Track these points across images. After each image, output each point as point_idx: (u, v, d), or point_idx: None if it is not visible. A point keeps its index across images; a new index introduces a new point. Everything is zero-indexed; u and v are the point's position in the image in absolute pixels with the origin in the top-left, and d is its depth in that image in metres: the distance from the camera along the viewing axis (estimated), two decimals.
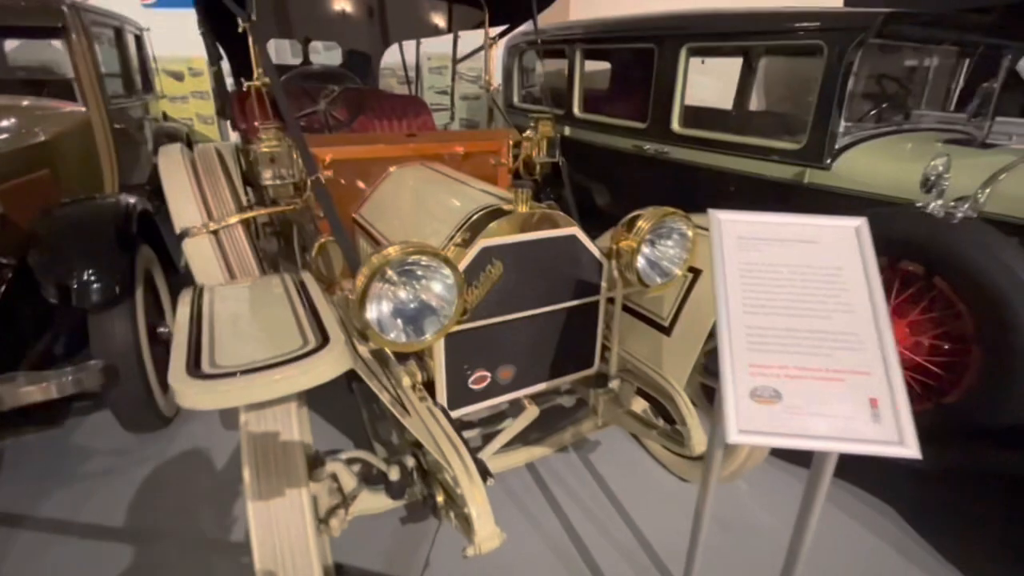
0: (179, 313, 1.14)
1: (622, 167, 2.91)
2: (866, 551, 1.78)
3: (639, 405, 1.87)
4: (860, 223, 1.06)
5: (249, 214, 2.03)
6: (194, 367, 0.88)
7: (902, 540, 1.81)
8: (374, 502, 1.43)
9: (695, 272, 1.69)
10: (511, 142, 2.46)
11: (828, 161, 2.07)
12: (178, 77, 5.59)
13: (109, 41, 3.52)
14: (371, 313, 1.20)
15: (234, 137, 5.90)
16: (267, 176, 1.88)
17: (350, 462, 1.41)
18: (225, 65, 3.11)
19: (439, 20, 2.97)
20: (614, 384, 1.80)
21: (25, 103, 2.76)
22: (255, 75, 2.13)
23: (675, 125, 2.64)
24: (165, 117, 4.94)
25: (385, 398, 1.21)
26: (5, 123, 2.43)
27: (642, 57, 3.69)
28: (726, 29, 2.42)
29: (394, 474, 1.50)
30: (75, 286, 1.82)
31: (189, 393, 0.84)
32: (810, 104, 2.13)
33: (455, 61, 3.38)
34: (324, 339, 0.99)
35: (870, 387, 0.93)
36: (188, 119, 5.72)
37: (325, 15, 3.23)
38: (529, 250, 1.51)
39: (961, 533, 1.82)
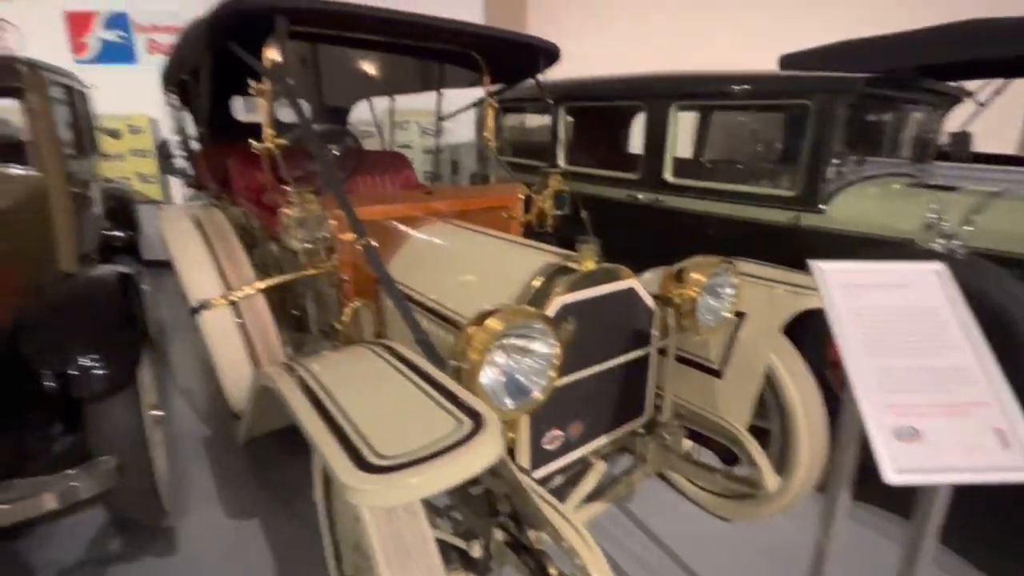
0: (293, 401, 1.04)
1: (615, 215, 3.03)
2: None
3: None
4: (940, 268, 1.18)
5: (271, 281, 1.91)
6: (361, 461, 0.81)
7: None
8: None
9: (739, 315, 1.78)
10: (521, 196, 2.51)
11: (821, 205, 2.28)
12: (115, 135, 5.24)
13: (61, 100, 3.26)
14: (485, 379, 1.16)
15: (180, 195, 5.57)
16: (297, 239, 1.79)
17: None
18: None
19: (430, 78, 3.01)
20: (667, 430, 1.82)
21: None
22: (265, 136, 2.07)
23: (667, 175, 2.81)
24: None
25: None
26: None
27: (622, 113, 3.94)
28: (718, 90, 2.65)
29: (475, 551, 1.41)
30: (77, 374, 1.61)
31: (369, 491, 0.76)
32: (797, 154, 2.36)
33: (440, 118, 3.43)
34: (475, 418, 0.94)
35: (993, 417, 1.01)
36: (126, 178, 5.35)
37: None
38: (597, 305, 1.54)
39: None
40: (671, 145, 2.78)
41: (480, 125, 4.46)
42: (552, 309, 1.43)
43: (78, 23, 5.21)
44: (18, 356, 1.63)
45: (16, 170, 2.67)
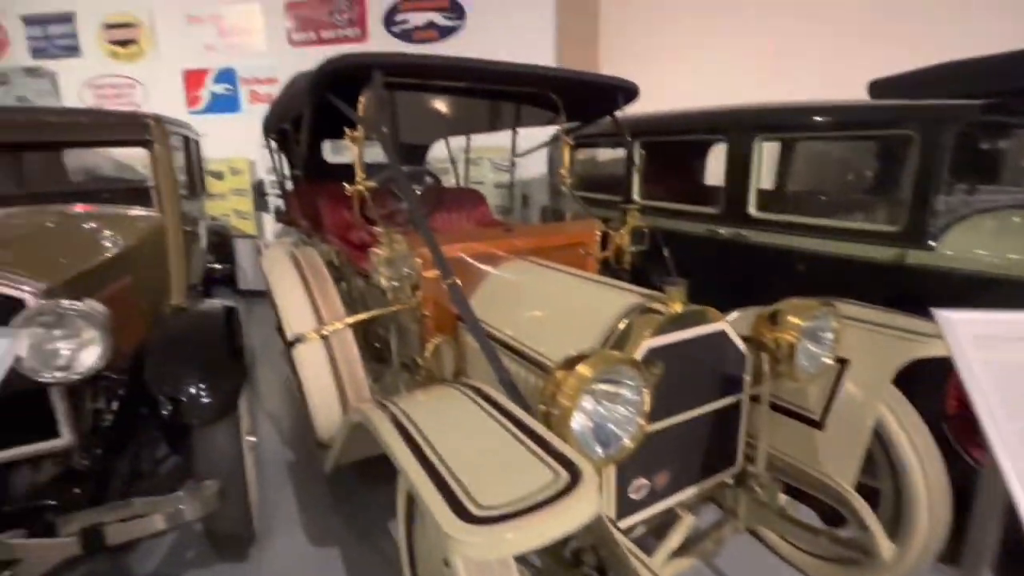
0: (391, 443, 1.07)
1: (693, 251, 2.93)
2: None
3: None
4: None
5: (360, 316, 2.00)
6: (462, 510, 0.81)
7: None
8: None
9: (841, 362, 1.65)
10: (598, 233, 2.50)
11: (930, 242, 2.10)
12: (218, 176, 5.77)
13: (178, 148, 3.65)
14: (575, 426, 1.14)
15: (270, 230, 6.00)
16: (385, 277, 1.86)
17: None
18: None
19: (505, 117, 3.10)
20: (760, 483, 1.70)
21: (111, 211, 2.80)
22: (358, 179, 2.19)
23: (751, 209, 2.70)
24: None
25: None
26: (105, 231, 2.45)
27: (697, 146, 3.88)
28: (808, 122, 2.54)
29: None
30: (190, 401, 1.74)
31: (471, 543, 0.76)
32: (898, 186, 2.20)
33: (514, 155, 3.52)
34: (571, 469, 0.92)
35: None
36: (225, 215, 5.85)
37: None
38: (686, 348, 1.48)
39: None
40: (755, 178, 2.68)
41: (551, 161, 4.53)
42: (639, 353, 1.39)
43: (193, 79, 5.86)
44: (139, 382, 1.79)
45: (141, 211, 3.00)
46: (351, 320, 1.98)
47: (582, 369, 1.15)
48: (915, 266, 2.14)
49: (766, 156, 2.77)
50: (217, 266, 4.79)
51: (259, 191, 5.97)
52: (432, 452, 1.01)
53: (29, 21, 5.88)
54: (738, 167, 2.74)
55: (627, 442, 1.21)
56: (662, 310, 1.48)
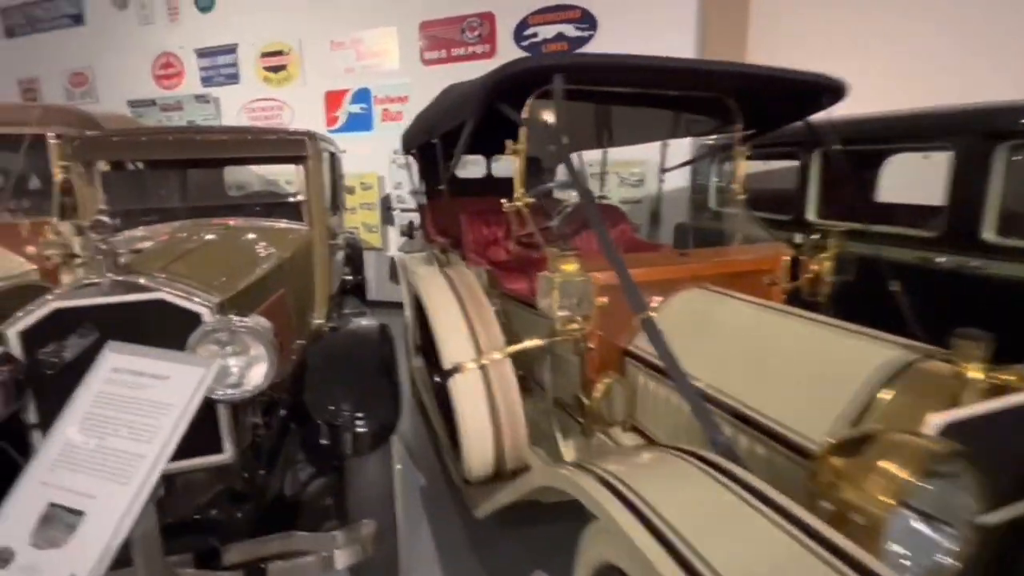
0: (625, 525, 0.82)
1: (900, 281, 2.42)
2: None
3: None
4: None
5: (520, 346, 1.79)
6: None
7: None
8: None
9: None
10: (787, 258, 2.12)
11: None
12: (350, 191, 6.03)
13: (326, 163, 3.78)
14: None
15: (394, 243, 6.14)
16: (559, 305, 1.64)
17: None
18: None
19: (666, 125, 2.81)
20: None
21: (266, 224, 2.89)
22: (517, 195, 2.02)
23: (987, 234, 2.16)
24: None
25: None
26: (263, 245, 2.51)
27: (874, 158, 3.32)
28: None
29: None
30: (346, 427, 1.63)
31: None
32: None
33: (663, 170, 3.21)
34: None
35: None
36: (355, 227, 6.08)
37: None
38: (990, 424, 1.08)
39: None
40: (993, 197, 2.14)
41: (695, 174, 4.15)
42: (930, 429, 1.03)
43: (333, 100, 6.20)
44: (295, 400, 1.72)
45: (293, 224, 3.08)
46: (511, 349, 1.78)
47: (890, 467, 0.82)
48: None
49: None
50: (349, 277, 4.95)
51: (386, 205, 6.16)
52: (699, 561, 0.74)
53: (201, 54, 6.59)
54: (967, 182, 2.21)
55: (952, 563, 0.86)
56: (942, 370, 1.10)
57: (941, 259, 2.29)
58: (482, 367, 1.77)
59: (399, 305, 5.66)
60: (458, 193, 3.84)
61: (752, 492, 0.90)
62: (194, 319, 1.73)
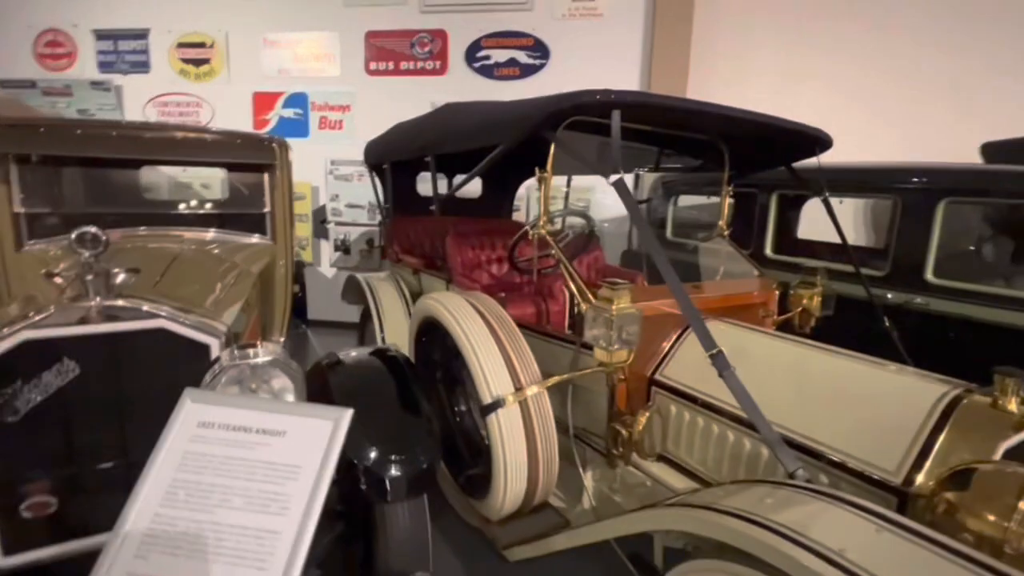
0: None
1: (845, 313, 2.72)
2: None
3: None
4: None
5: (558, 378, 1.75)
6: None
7: None
8: None
9: None
10: (777, 292, 2.30)
11: None
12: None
13: None
14: None
15: (327, 259, 5.75)
16: (607, 340, 1.64)
17: None
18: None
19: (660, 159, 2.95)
20: None
21: (234, 239, 2.59)
22: (540, 222, 2.01)
23: (929, 275, 2.51)
24: None
25: None
26: (238, 263, 2.25)
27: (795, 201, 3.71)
28: (1008, 188, 2.37)
29: None
30: (382, 471, 1.48)
31: None
32: None
33: (640, 201, 3.36)
34: None
35: None
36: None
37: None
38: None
39: None
40: (934, 244, 2.50)
41: (651, 208, 4.37)
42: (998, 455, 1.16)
43: (263, 102, 5.75)
44: None
45: (257, 239, 2.79)
46: (550, 383, 1.74)
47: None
48: None
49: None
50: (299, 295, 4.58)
51: (320, 218, 5.78)
52: None
53: (101, 36, 5.80)
54: (912, 230, 2.56)
55: None
56: (984, 404, 1.26)
57: (890, 295, 2.62)
58: (522, 401, 1.71)
59: (343, 325, 5.32)
60: (418, 211, 3.72)
61: (898, 526, 0.94)
62: (199, 351, 1.51)
